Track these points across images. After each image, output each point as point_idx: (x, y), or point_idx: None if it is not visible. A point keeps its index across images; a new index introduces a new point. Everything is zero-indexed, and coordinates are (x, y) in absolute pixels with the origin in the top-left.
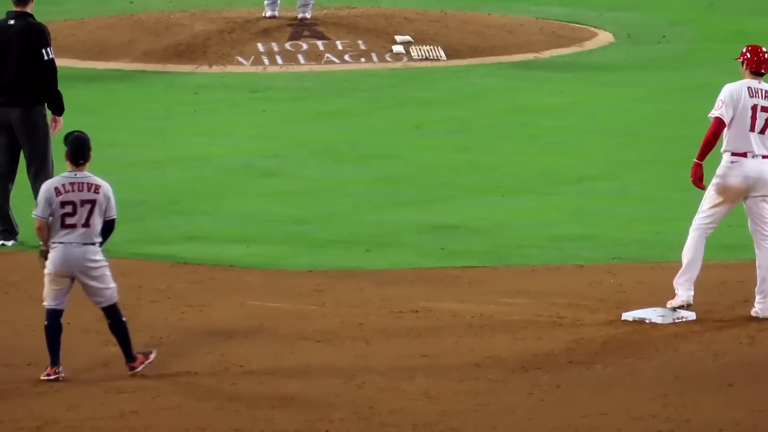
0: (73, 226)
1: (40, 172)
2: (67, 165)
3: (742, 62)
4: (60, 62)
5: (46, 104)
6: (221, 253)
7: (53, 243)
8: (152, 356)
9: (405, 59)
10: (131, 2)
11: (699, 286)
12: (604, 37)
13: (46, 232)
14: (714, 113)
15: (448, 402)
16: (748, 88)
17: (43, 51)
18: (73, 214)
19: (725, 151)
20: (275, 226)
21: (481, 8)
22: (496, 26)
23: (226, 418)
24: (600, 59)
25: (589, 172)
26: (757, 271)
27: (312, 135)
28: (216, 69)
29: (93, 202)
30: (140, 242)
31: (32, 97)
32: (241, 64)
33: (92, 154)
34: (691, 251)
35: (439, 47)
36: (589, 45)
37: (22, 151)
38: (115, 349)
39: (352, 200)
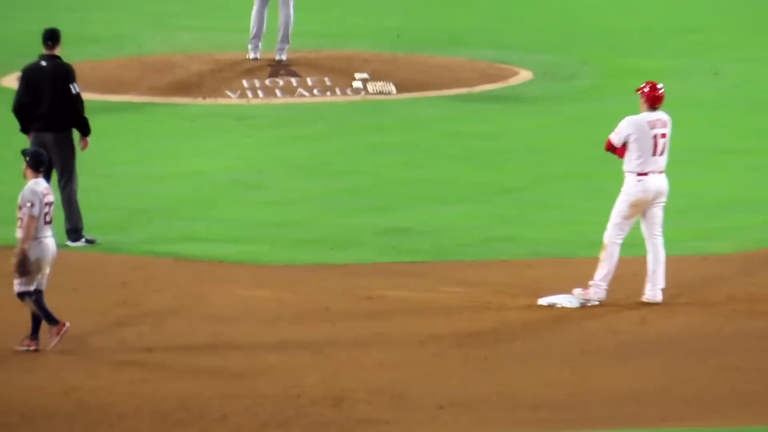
0: (49, 223)
1: (68, 182)
2: (28, 174)
3: (641, 96)
4: (82, 95)
5: (74, 129)
6: (214, 251)
7: (38, 238)
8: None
9: (363, 93)
10: (139, 47)
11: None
12: (525, 74)
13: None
14: (611, 135)
15: (397, 371)
16: (648, 121)
17: (71, 86)
18: (49, 212)
19: (630, 171)
20: (258, 229)
21: (425, 51)
22: (438, 66)
23: (218, 384)
24: (522, 93)
25: (515, 185)
26: (648, 264)
27: (288, 155)
28: (209, 101)
29: (52, 203)
30: (148, 242)
31: (63, 124)
32: (229, 97)
33: (108, 170)
34: (613, 260)
35: (391, 83)
36: (513, 81)
37: (54, 167)
38: (128, 330)
39: (322, 207)
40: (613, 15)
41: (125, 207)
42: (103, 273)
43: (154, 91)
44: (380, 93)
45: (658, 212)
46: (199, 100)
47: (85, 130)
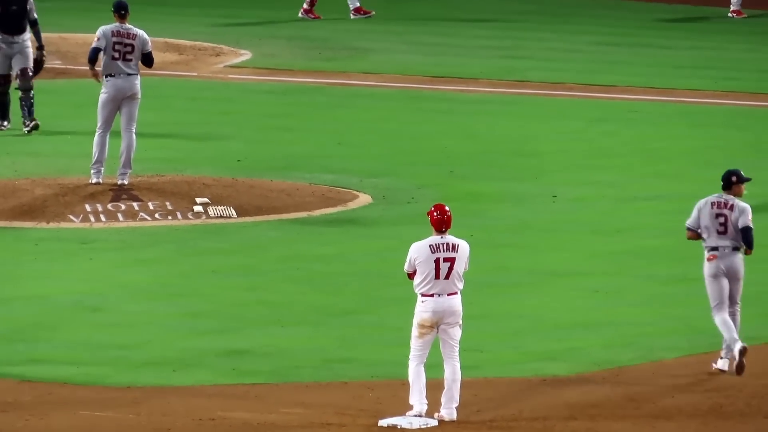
0: None
1: None
2: None
3: (430, 219)
4: None
5: None
6: (58, 373)
7: None
8: None
9: (204, 217)
10: None
11: (436, 398)
12: (364, 198)
13: None
14: (404, 267)
15: None
16: (430, 246)
17: None
18: None
19: (418, 293)
20: (101, 351)
21: (265, 176)
22: (277, 190)
23: None
24: (361, 216)
25: (353, 307)
26: (444, 382)
27: (130, 278)
28: (52, 225)
29: None
30: None
31: None
32: (72, 221)
33: None
34: (413, 375)
35: (231, 207)
36: (352, 205)
37: None
38: None
39: (163, 330)
40: (451, 139)
41: None
42: None
43: None
44: (221, 217)
45: (452, 332)
46: (43, 224)
47: None
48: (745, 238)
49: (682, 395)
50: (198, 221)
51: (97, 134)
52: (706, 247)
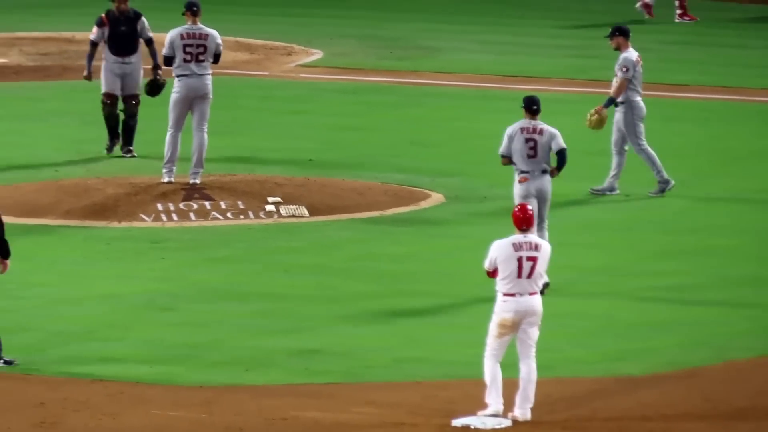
0: None
1: None
2: None
3: (513, 218)
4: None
5: None
6: (130, 372)
7: None
8: None
9: (276, 216)
10: (56, 170)
11: (509, 398)
12: (437, 197)
13: None
14: (484, 264)
15: None
16: (513, 244)
17: None
18: None
19: (498, 291)
20: (173, 350)
21: (336, 175)
22: (349, 189)
23: None
24: (433, 216)
25: (424, 307)
26: (520, 383)
27: (201, 277)
28: (124, 224)
29: None
30: (65, 363)
31: None
32: (144, 220)
33: (25, 293)
34: (489, 374)
35: (303, 206)
36: (424, 204)
37: None
38: None
39: (234, 329)
40: None
41: (42, 328)
42: (21, 394)
43: (70, 214)
44: (293, 216)
45: (531, 331)
46: (115, 224)
47: (4, 253)
48: (562, 159)
49: (757, 396)
50: (270, 220)
51: (168, 134)
52: (517, 170)
